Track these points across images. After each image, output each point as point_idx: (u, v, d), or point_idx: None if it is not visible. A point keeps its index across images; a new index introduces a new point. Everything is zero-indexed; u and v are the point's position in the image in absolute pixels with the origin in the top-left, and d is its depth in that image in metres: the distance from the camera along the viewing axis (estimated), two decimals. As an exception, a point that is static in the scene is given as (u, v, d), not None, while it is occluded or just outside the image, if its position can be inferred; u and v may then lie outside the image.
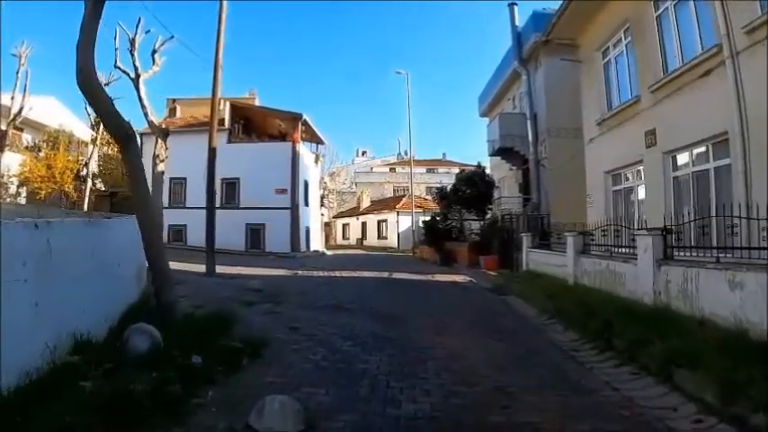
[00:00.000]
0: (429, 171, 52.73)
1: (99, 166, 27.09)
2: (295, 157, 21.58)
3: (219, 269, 12.10)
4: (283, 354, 4.66)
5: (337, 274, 13.19)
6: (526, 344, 5.54)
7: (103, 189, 26.36)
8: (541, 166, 15.84)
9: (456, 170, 54.17)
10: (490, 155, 18.47)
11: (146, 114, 11.85)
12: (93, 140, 27.48)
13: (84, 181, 25.73)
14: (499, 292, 9.53)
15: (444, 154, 57.19)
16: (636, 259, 6.41)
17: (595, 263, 7.98)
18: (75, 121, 27.60)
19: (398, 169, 52.27)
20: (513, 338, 5.81)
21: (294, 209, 21.38)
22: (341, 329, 5.82)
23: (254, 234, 21.64)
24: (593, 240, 8.49)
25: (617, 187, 10.53)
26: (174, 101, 26.55)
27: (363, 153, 57.49)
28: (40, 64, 24.69)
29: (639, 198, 9.45)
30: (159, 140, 11.50)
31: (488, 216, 16.42)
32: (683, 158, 8.02)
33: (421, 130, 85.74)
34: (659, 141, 8.33)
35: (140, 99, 12.01)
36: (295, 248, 20.96)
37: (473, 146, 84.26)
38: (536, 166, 16.10)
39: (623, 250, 7.52)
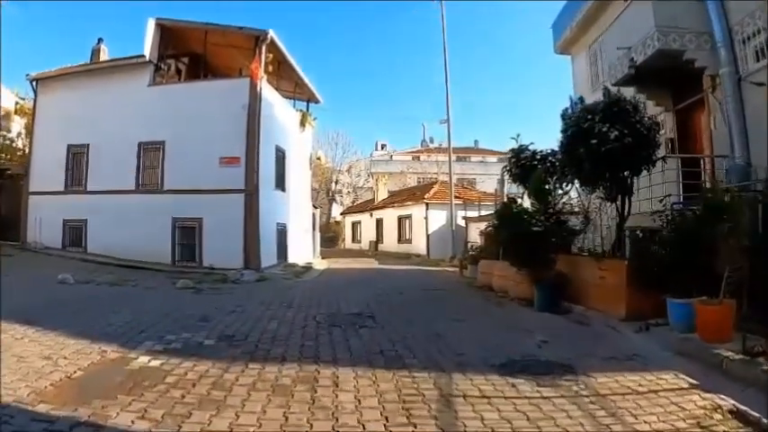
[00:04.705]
0: (459, 160, 44.29)
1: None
2: (255, 104, 12.41)
3: None
4: None
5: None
6: None
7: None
8: (751, 85, 6.63)
9: (492, 158, 45.74)
10: (615, 83, 9.04)
11: None
12: (18, 110, 22.34)
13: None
14: None
15: (477, 141, 50.21)
16: None
17: None
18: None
19: (423, 157, 43.95)
20: None
21: (250, 192, 12.21)
22: None
23: (186, 237, 12.61)
24: None
25: None
26: (100, 38, 18.76)
27: (383, 146, 49.74)
28: None
29: None
30: None
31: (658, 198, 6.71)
32: None
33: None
34: None
35: None
36: (250, 262, 11.75)
37: (505, 133, 73.59)
38: (735, 89, 6.97)
39: None
